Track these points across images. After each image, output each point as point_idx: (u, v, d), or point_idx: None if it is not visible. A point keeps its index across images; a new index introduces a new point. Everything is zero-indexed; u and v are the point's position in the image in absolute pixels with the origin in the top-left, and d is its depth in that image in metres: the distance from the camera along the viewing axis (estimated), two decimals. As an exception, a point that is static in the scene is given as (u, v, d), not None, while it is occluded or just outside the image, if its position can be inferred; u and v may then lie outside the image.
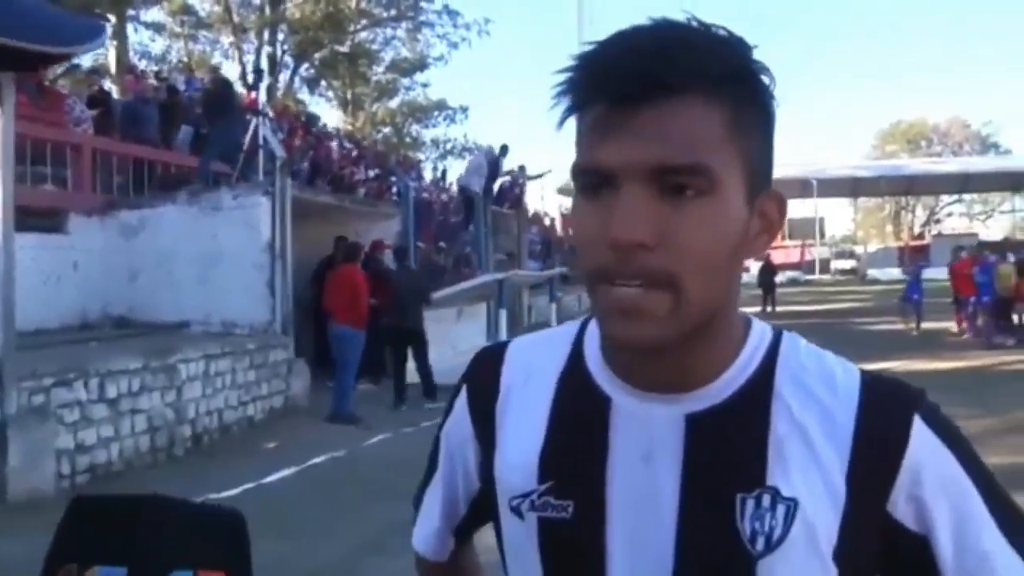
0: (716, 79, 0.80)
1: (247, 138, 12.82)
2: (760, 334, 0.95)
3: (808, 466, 0.87)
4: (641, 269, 0.79)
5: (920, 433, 0.87)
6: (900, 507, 0.87)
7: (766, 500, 0.86)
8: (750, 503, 0.87)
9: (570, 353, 1.00)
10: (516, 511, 0.96)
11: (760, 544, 0.86)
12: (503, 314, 13.34)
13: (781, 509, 0.86)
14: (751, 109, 0.84)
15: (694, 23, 0.83)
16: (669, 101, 0.79)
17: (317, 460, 7.90)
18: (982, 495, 0.88)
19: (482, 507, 1.07)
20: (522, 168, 21.39)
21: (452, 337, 13.74)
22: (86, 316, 10.99)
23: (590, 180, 0.83)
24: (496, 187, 18.99)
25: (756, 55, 0.84)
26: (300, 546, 5.61)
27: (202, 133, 13.66)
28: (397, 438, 8.90)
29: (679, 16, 0.84)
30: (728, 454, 0.88)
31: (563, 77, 0.83)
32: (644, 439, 0.91)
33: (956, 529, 0.87)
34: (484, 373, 1.06)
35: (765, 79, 0.84)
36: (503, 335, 12.95)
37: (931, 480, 0.86)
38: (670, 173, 0.79)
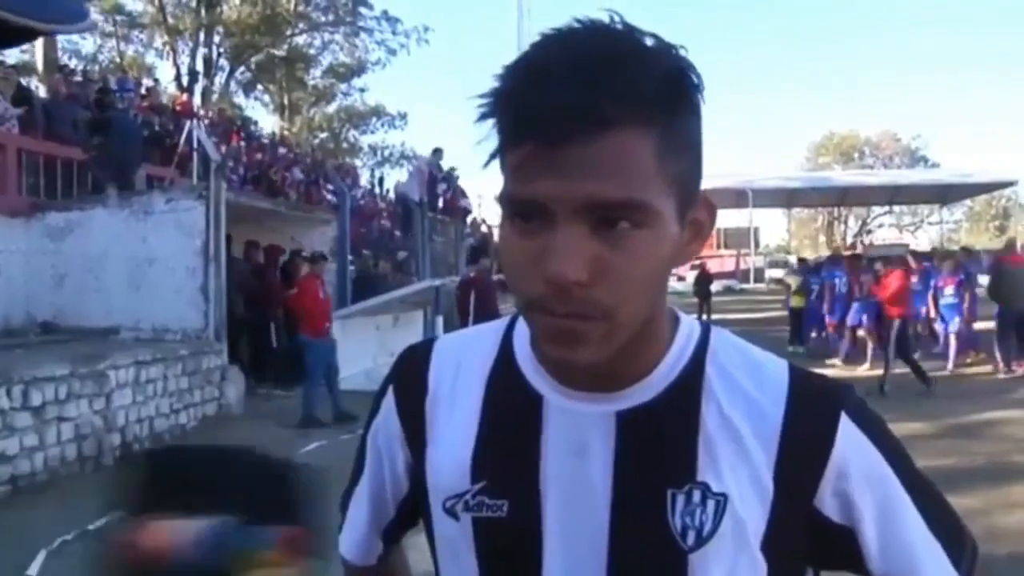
0: (648, 105, 0.78)
1: (180, 141, 12.55)
2: (688, 330, 0.96)
3: (737, 461, 0.88)
4: (577, 305, 0.79)
5: (847, 430, 0.89)
6: (827, 502, 0.89)
7: (696, 495, 0.88)
8: (680, 499, 0.88)
9: (499, 351, 1.00)
10: (450, 512, 0.95)
11: (691, 539, 0.87)
12: (439, 321, 13.24)
13: (711, 504, 0.87)
14: (682, 124, 0.82)
15: (619, 25, 0.80)
16: (603, 134, 0.76)
17: (250, 468, 7.74)
18: (906, 488, 0.91)
19: (411, 509, 1.06)
20: (451, 170, 21.26)
21: (389, 344, 13.63)
22: (9, 321, 10.68)
23: (522, 210, 0.81)
24: (439, 195, 18.91)
25: (684, 58, 0.81)
26: (231, 556, 5.48)
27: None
28: (333, 444, 8.78)
29: (604, 16, 0.81)
30: (659, 450, 0.89)
31: (487, 108, 0.81)
32: (576, 436, 0.91)
33: (881, 521, 0.89)
34: (411, 372, 1.04)
35: (694, 78, 0.82)
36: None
37: (857, 475, 0.89)
38: (605, 208, 0.78)
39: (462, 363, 1.01)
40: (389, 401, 1.05)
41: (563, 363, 0.85)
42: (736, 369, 0.93)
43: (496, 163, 0.84)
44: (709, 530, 0.87)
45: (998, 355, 12.89)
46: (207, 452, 0.73)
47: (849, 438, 0.89)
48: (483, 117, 0.82)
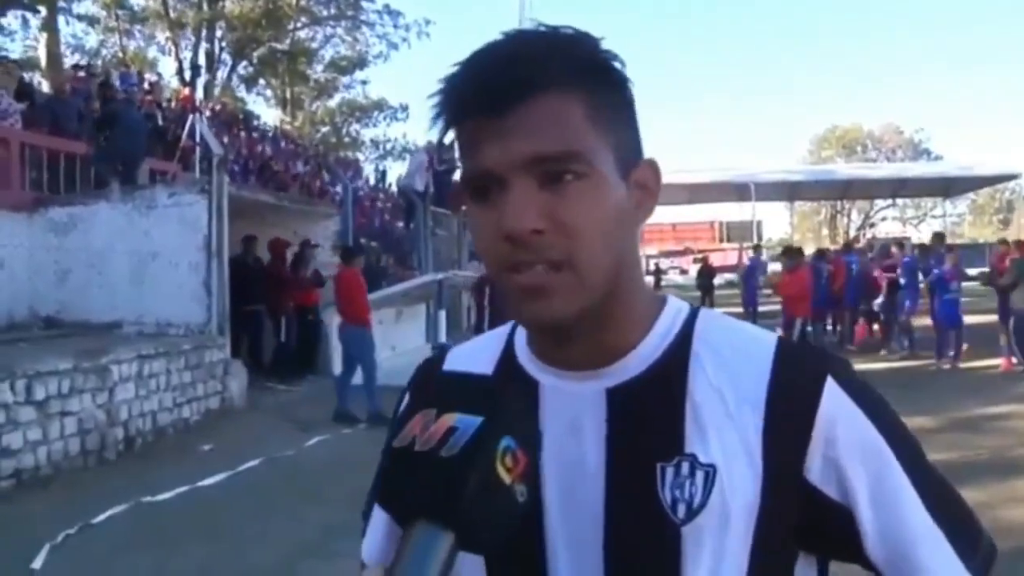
0: (571, 74, 0.86)
1: (184, 135, 12.53)
2: (675, 309, 0.99)
3: (725, 432, 0.89)
4: (540, 253, 0.84)
5: (832, 393, 0.89)
6: (816, 471, 0.88)
7: (685, 468, 0.89)
8: (670, 471, 0.89)
9: (503, 350, 1.05)
10: None
11: (682, 511, 0.88)
12: (442, 315, 13.25)
13: (700, 476, 0.88)
14: (609, 96, 0.89)
15: (542, 28, 0.89)
16: (534, 99, 0.84)
17: (253, 463, 7.75)
18: (903, 465, 0.88)
19: None
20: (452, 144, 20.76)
21: (392, 338, 13.64)
22: (12, 316, 10.71)
23: (478, 185, 0.88)
24: (448, 180, 18.58)
25: (605, 46, 0.90)
26: (233, 549, 5.50)
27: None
28: (336, 439, 8.80)
29: (530, 25, 0.90)
30: (648, 424, 0.91)
31: (434, 101, 0.89)
32: (570, 415, 0.94)
33: (876, 501, 0.87)
34: (427, 381, 1.07)
35: (618, 66, 0.90)
36: (442, 336, 12.88)
37: (846, 443, 0.87)
38: (546, 162, 0.84)
39: (472, 365, 1.04)
40: (409, 409, 1.07)
41: (538, 321, 0.89)
42: (724, 343, 0.94)
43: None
44: (699, 502, 0.87)
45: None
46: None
47: (835, 401, 0.88)
48: (436, 118, 0.89)
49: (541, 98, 0.84)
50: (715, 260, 33.00)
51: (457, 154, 0.92)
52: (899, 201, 61.42)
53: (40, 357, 7.66)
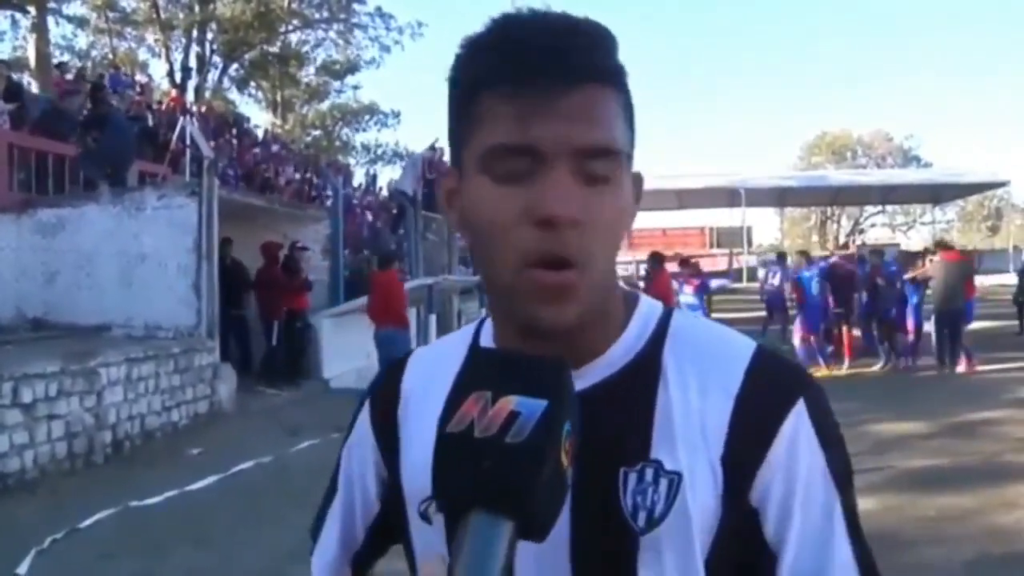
0: (611, 68, 0.84)
1: (174, 138, 12.46)
2: (649, 309, 0.95)
3: (693, 441, 0.86)
4: (569, 248, 0.80)
5: (799, 418, 0.86)
6: (758, 495, 0.85)
7: (649, 474, 0.86)
8: (632, 477, 0.86)
9: (468, 351, 1.00)
10: (424, 516, 0.94)
11: (642, 520, 0.85)
12: (432, 319, 13.22)
13: (664, 484, 0.85)
14: (629, 96, 0.87)
15: (567, 14, 0.85)
16: (592, 87, 0.81)
17: (243, 466, 7.71)
18: (845, 519, 0.86)
19: (381, 533, 1.05)
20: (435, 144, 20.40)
21: (382, 342, 13.59)
22: (-1, 318, 10.64)
23: (510, 161, 0.81)
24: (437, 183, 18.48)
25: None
26: (222, 554, 5.46)
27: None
28: (325, 444, 8.74)
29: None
30: (615, 429, 0.87)
31: (467, 62, 0.85)
32: None
33: (808, 542, 0.84)
34: (386, 384, 1.05)
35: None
36: (432, 341, 12.84)
37: (795, 476, 0.85)
38: (595, 155, 0.81)
39: (436, 368, 1.00)
40: (364, 414, 1.05)
41: (554, 325, 0.83)
42: (697, 349, 0.91)
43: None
44: (661, 511, 0.84)
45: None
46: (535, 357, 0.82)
47: (799, 428, 0.85)
48: (469, 81, 0.84)
49: (599, 87, 0.82)
50: (705, 266, 32.99)
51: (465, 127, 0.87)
52: (888, 207, 61.70)
53: (27, 359, 7.61)
